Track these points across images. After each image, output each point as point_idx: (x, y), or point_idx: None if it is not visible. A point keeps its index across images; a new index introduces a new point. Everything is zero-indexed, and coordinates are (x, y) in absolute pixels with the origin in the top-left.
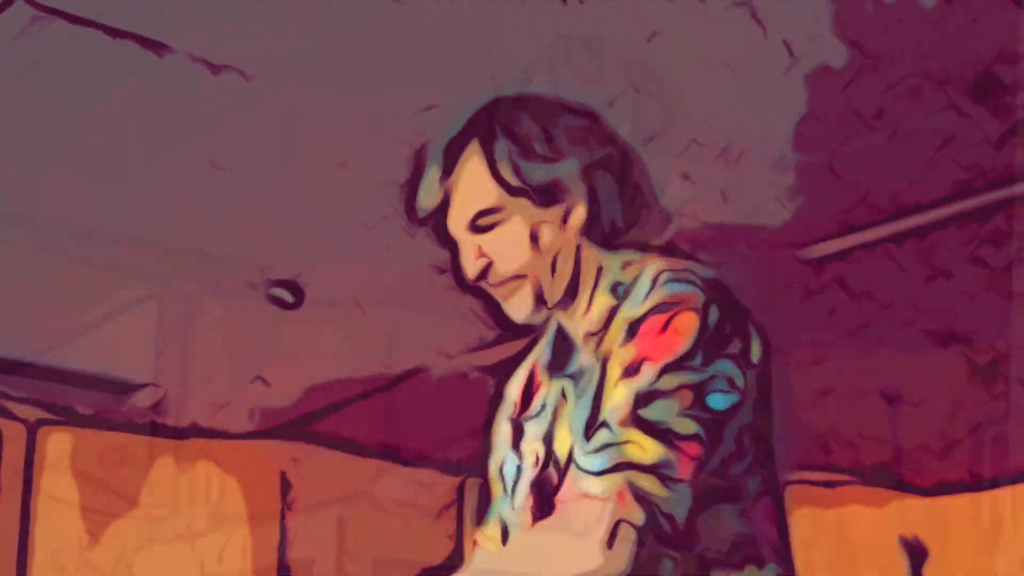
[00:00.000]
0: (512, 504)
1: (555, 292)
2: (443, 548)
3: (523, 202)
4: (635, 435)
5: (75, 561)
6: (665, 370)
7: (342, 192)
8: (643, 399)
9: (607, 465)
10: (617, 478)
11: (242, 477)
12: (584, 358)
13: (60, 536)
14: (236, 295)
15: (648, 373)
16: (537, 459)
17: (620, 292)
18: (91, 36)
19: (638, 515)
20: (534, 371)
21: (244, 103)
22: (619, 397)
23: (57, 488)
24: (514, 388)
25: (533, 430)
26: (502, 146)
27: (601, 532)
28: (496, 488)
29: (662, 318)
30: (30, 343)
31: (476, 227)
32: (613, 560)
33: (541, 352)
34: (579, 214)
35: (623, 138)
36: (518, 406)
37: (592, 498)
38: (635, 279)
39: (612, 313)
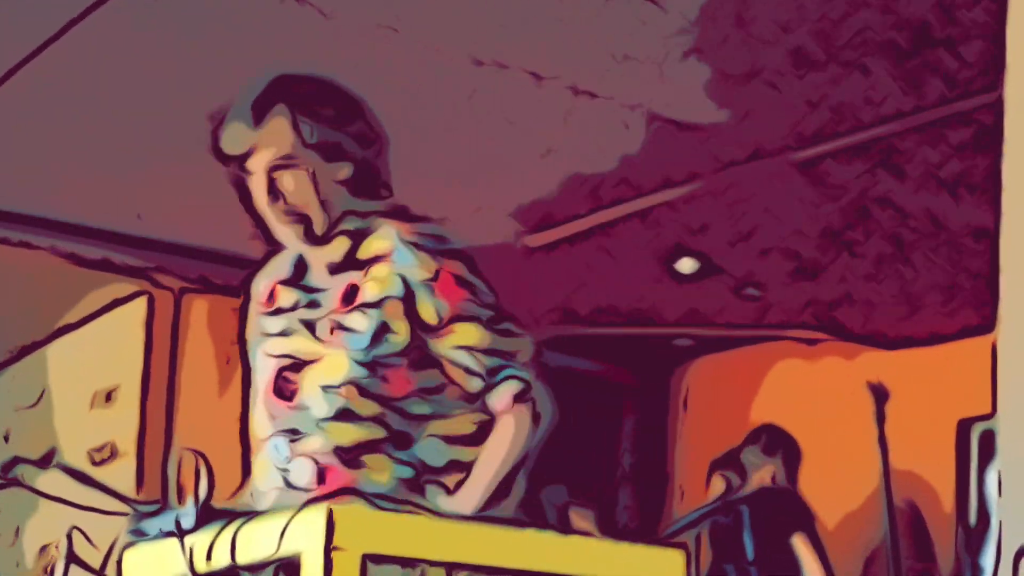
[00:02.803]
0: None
1: (319, 227)
2: None
3: (313, 155)
4: (337, 354)
5: (211, 404)
6: (366, 305)
7: None
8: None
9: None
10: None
11: None
12: (317, 279)
13: (199, 382)
14: None
15: (359, 308)
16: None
17: (359, 236)
18: None
19: (368, 408)
20: (272, 279)
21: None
22: (354, 322)
23: (196, 344)
24: (260, 290)
25: (273, 325)
26: (303, 110)
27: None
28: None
29: (373, 266)
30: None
31: (275, 167)
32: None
33: (279, 267)
34: (347, 172)
35: (378, 121)
36: (264, 302)
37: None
38: (370, 230)
39: (351, 252)
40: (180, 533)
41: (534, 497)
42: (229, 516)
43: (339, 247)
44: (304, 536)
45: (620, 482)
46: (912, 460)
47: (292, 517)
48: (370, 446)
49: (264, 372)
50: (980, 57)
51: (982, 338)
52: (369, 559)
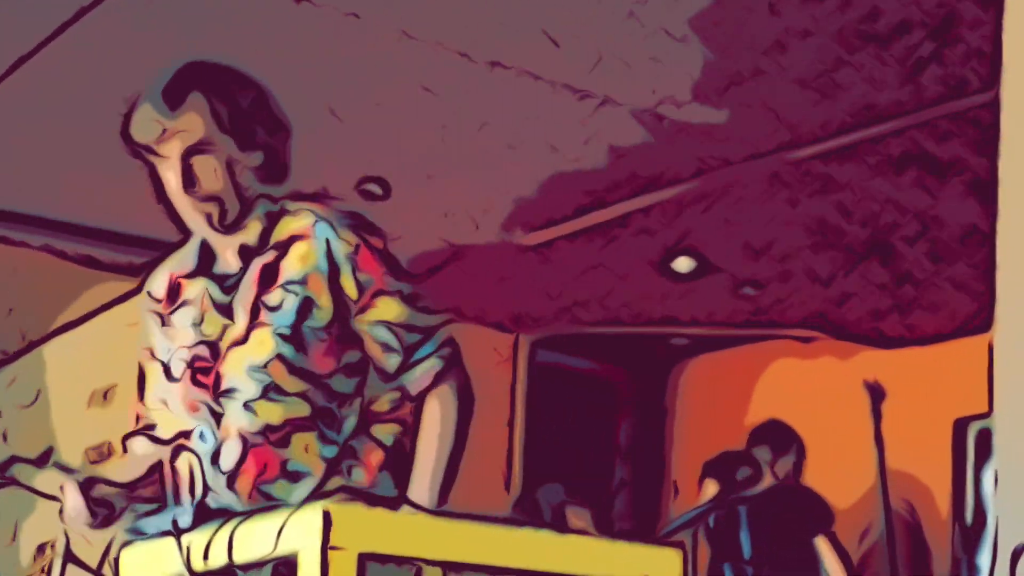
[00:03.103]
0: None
1: (232, 213)
2: None
3: (228, 141)
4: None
5: None
6: (290, 283)
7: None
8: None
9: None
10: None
11: None
12: (227, 266)
13: None
14: None
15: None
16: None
17: (272, 219)
18: None
19: (294, 385)
20: (173, 273)
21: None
22: (277, 299)
23: None
24: (157, 286)
25: (181, 319)
26: (221, 96)
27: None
28: (152, 367)
29: (293, 244)
30: None
31: (189, 153)
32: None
33: (182, 261)
34: (258, 159)
35: (282, 110)
36: (165, 301)
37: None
38: (284, 212)
39: (265, 234)
40: (177, 532)
41: (531, 496)
42: (226, 515)
43: (252, 231)
44: (301, 535)
45: (616, 481)
46: (908, 459)
47: (289, 516)
48: (297, 424)
49: (178, 365)
50: (977, 56)
51: (978, 337)
52: (366, 558)
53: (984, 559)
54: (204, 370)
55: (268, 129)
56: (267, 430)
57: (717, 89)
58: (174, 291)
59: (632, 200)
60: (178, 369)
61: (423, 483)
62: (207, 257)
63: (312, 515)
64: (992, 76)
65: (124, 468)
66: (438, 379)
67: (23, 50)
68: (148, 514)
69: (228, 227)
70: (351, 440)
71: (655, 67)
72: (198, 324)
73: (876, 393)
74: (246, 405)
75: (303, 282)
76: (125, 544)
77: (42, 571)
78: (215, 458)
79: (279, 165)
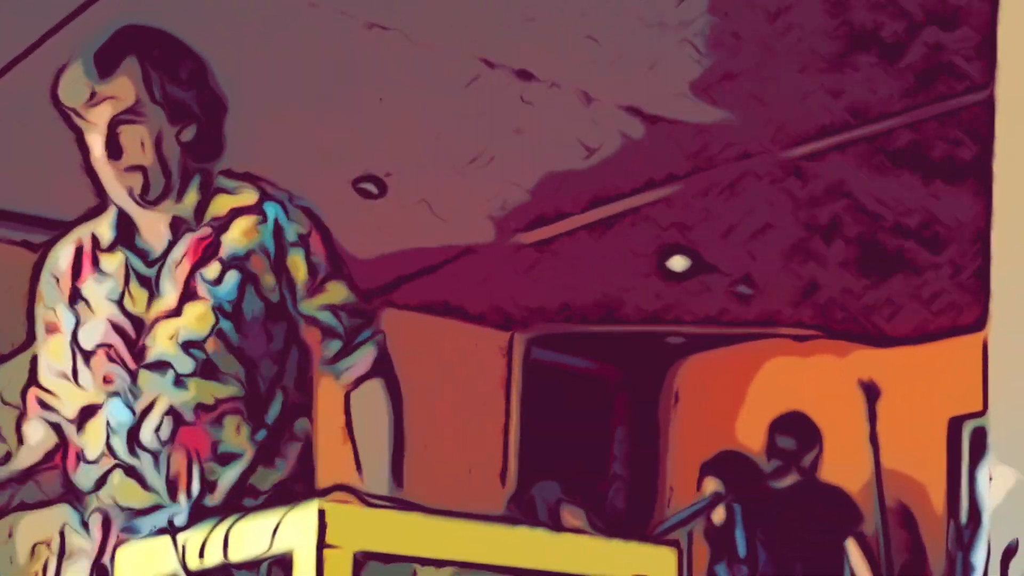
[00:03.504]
0: (79, 344)
1: (157, 187)
2: None
3: (159, 112)
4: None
5: None
6: (233, 258)
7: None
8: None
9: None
10: None
11: None
12: (151, 239)
13: None
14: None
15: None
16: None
17: (206, 194)
18: None
19: (230, 365)
20: (81, 246)
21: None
22: (217, 274)
23: None
24: (61, 259)
25: (96, 290)
26: (156, 65)
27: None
28: (54, 341)
29: (236, 219)
30: None
31: (118, 121)
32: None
33: (101, 232)
34: (190, 133)
35: (220, 87)
36: (69, 273)
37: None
38: (222, 189)
39: (200, 210)
40: (173, 531)
41: (525, 493)
42: (222, 514)
43: (187, 204)
44: (296, 534)
45: (612, 479)
46: (903, 457)
47: (285, 515)
48: (230, 405)
49: (90, 337)
50: (972, 54)
51: (973, 336)
52: (361, 557)
53: (979, 557)
54: (125, 343)
55: (204, 103)
56: (200, 408)
57: (712, 87)
58: (80, 263)
59: (627, 198)
60: (90, 341)
61: (379, 470)
62: (126, 230)
63: (307, 514)
64: (987, 74)
65: (19, 456)
66: (375, 365)
67: (17, 49)
68: (143, 513)
69: (151, 201)
70: (276, 425)
71: (651, 66)
72: (117, 297)
73: (871, 392)
74: (179, 380)
75: (246, 258)
76: (120, 543)
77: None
78: (133, 434)
79: (213, 141)
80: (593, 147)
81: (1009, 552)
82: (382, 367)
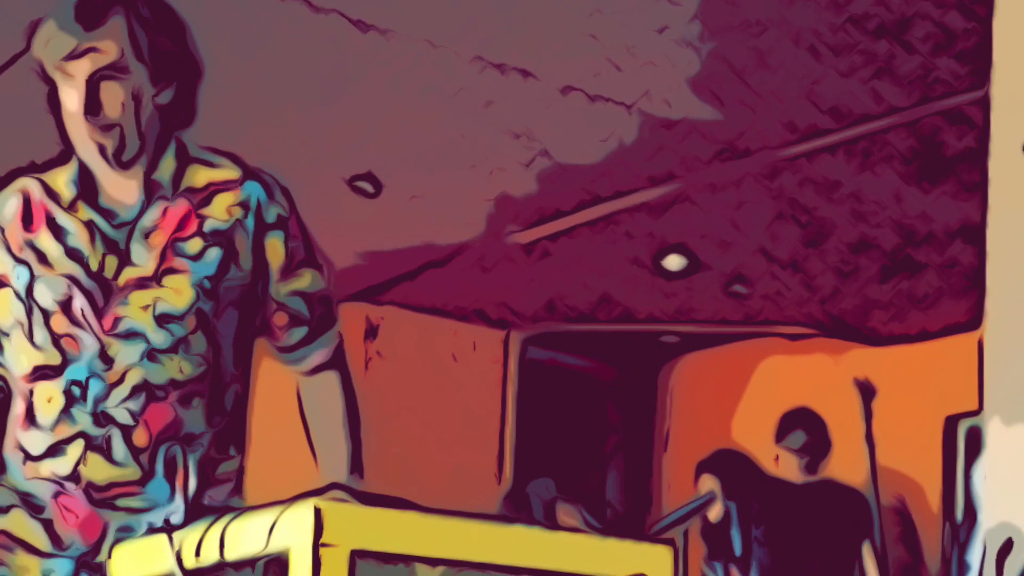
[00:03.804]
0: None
1: (132, 148)
2: None
3: (141, 70)
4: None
5: None
6: (214, 233)
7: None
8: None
9: None
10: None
11: None
12: (118, 201)
13: None
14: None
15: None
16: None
17: (184, 162)
18: None
19: (200, 345)
20: (29, 195)
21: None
22: (198, 249)
23: None
24: (7, 207)
25: (54, 246)
26: (142, 22)
27: None
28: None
29: (217, 194)
30: None
31: (100, 76)
32: None
33: (59, 186)
34: (168, 96)
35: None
36: (18, 223)
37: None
38: (200, 159)
39: (176, 178)
40: (168, 529)
41: (521, 490)
42: (218, 512)
43: (165, 170)
44: (292, 532)
45: (607, 478)
46: (899, 456)
47: (281, 513)
48: (198, 386)
49: (47, 293)
50: (968, 55)
51: (969, 335)
52: (358, 555)
53: (974, 555)
54: (92, 307)
55: (184, 67)
56: (171, 386)
57: (709, 87)
58: (31, 214)
59: (623, 198)
60: (48, 298)
61: (337, 461)
62: (89, 188)
63: (304, 512)
64: (983, 74)
65: None
66: (333, 357)
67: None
68: (139, 511)
69: (124, 162)
70: (232, 415)
71: (647, 65)
72: (80, 257)
73: (867, 391)
74: (151, 355)
75: (228, 236)
76: (116, 541)
77: None
78: (100, 405)
79: (187, 107)
80: (589, 146)
81: (1004, 550)
82: (339, 360)
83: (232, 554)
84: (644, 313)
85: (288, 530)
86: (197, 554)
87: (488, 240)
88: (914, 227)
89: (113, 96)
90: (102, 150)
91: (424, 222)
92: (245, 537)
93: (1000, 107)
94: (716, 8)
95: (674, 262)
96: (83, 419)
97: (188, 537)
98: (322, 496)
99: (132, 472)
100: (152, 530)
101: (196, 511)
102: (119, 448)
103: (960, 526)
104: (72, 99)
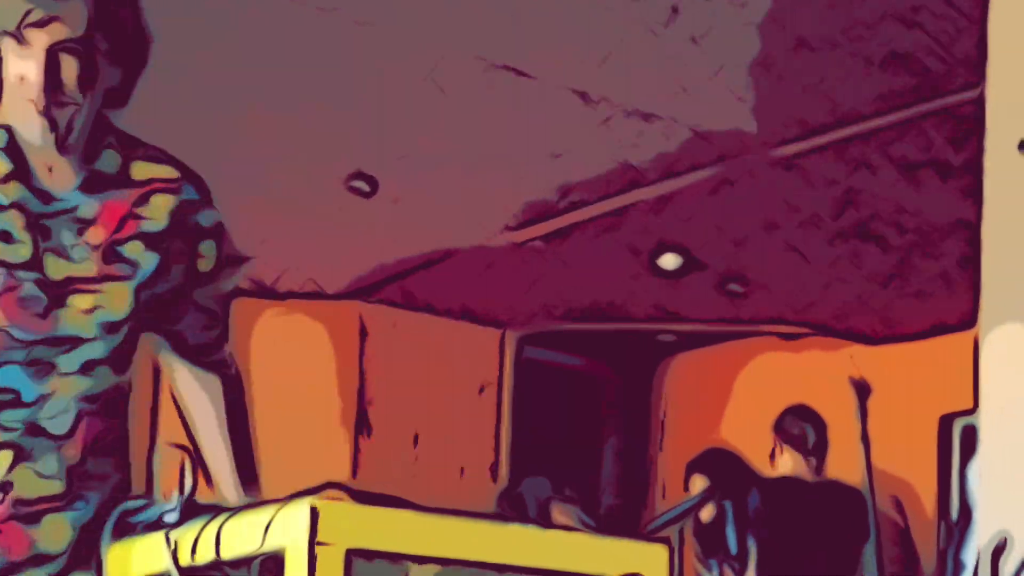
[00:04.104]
0: None
1: (80, 131)
2: None
3: (104, 47)
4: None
5: None
6: (150, 236)
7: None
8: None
9: None
10: None
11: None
12: (56, 186)
13: None
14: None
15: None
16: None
17: (127, 153)
18: None
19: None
20: None
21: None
22: (132, 251)
23: None
24: None
25: None
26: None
27: None
28: None
29: (154, 194)
30: None
31: (62, 48)
32: None
33: None
34: (117, 78)
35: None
36: None
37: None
38: (141, 151)
39: (123, 170)
40: (164, 528)
41: (516, 489)
42: (214, 511)
43: (110, 161)
44: (288, 531)
45: (602, 476)
46: (894, 455)
47: (277, 512)
48: (117, 397)
49: None
50: (963, 53)
51: (964, 333)
52: (354, 554)
53: (969, 555)
54: (25, 300)
55: (136, 49)
56: (108, 395)
57: (703, 87)
58: None
59: (618, 197)
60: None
61: (223, 469)
62: (21, 164)
63: (299, 511)
64: (978, 73)
65: None
66: (231, 359)
67: None
68: (135, 511)
69: (67, 147)
70: None
71: (640, 66)
72: (10, 240)
73: (862, 389)
74: (90, 365)
75: (165, 239)
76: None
77: None
78: (33, 413)
79: (127, 91)
80: (583, 145)
81: (999, 549)
82: (227, 362)
83: (228, 553)
84: (640, 312)
85: (284, 529)
86: (193, 553)
87: (483, 239)
88: (909, 226)
89: (72, 71)
90: (52, 126)
91: (419, 221)
92: (241, 536)
93: (995, 106)
94: (713, 7)
95: (670, 261)
96: (15, 425)
97: (184, 536)
98: (318, 495)
99: (59, 487)
100: (148, 529)
101: (192, 510)
102: (49, 462)
103: (955, 525)
104: (27, 70)
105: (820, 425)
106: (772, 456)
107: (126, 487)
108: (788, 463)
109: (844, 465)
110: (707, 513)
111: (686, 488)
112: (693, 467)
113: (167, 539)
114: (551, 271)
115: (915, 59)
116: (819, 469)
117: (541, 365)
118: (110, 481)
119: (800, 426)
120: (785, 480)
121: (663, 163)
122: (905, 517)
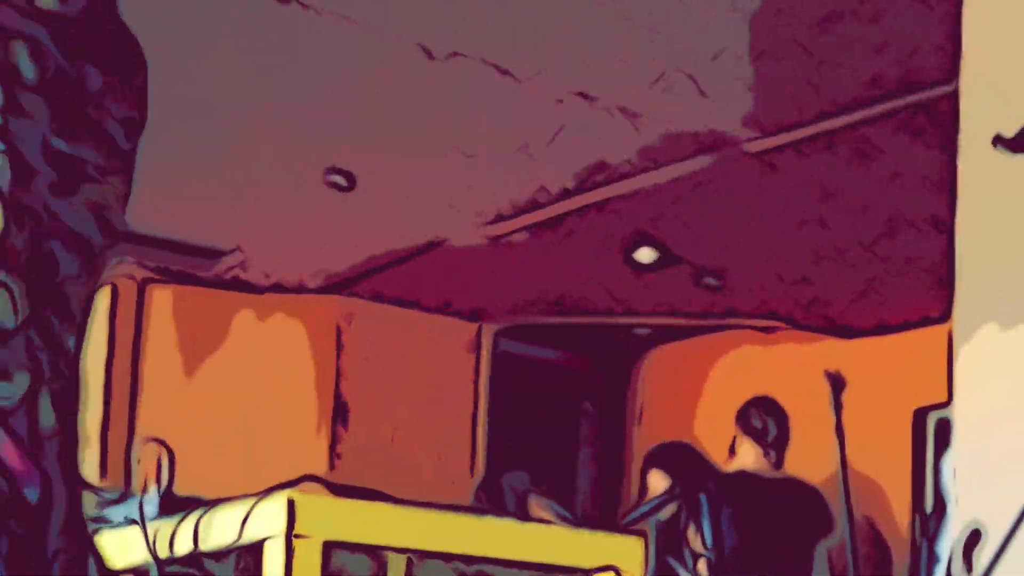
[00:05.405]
0: None
1: None
2: None
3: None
4: None
5: (174, 393)
6: None
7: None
8: None
9: None
10: None
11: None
12: None
13: (162, 371)
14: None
15: None
16: None
17: None
18: None
19: None
20: None
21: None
22: None
23: (159, 333)
24: None
25: None
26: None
27: None
28: None
29: None
30: None
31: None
32: None
33: None
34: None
35: None
36: None
37: None
38: None
39: None
40: (143, 520)
41: (494, 482)
42: (192, 504)
43: None
44: (266, 523)
45: (579, 470)
46: (869, 448)
47: (254, 505)
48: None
49: None
50: (938, 47)
51: (938, 327)
52: (331, 546)
53: (943, 547)
54: None
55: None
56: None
57: (679, 81)
58: None
59: (595, 191)
60: None
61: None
62: None
63: (277, 503)
64: (952, 68)
65: None
66: None
67: None
68: (113, 503)
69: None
70: None
71: (619, 60)
72: None
73: (837, 383)
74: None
75: None
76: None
77: None
78: None
79: None
80: (562, 138)
81: (972, 541)
82: None
83: (206, 545)
84: (616, 306)
85: (262, 521)
86: (171, 545)
87: (460, 233)
88: (884, 220)
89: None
90: None
91: (397, 216)
92: (219, 528)
93: (969, 100)
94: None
95: (646, 255)
96: None
97: (162, 528)
98: (295, 487)
99: None
100: (127, 521)
101: (170, 503)
102: None
103: (929, 518)
104: None
105: (782, 418)
106: (732, 447)
107: None
108: (749, 455)
109: (818, 458)
110: (668, 511)
111: (643, 481)
112: (650, 461)
113: (145, 531)
114: (528, 265)
115: (890, 54)
116: (778, 463)
117: (518, 359)
118: None
119: (763, 419)
120: (742, 475)
121: (640, 158)
122: (879, 509)
